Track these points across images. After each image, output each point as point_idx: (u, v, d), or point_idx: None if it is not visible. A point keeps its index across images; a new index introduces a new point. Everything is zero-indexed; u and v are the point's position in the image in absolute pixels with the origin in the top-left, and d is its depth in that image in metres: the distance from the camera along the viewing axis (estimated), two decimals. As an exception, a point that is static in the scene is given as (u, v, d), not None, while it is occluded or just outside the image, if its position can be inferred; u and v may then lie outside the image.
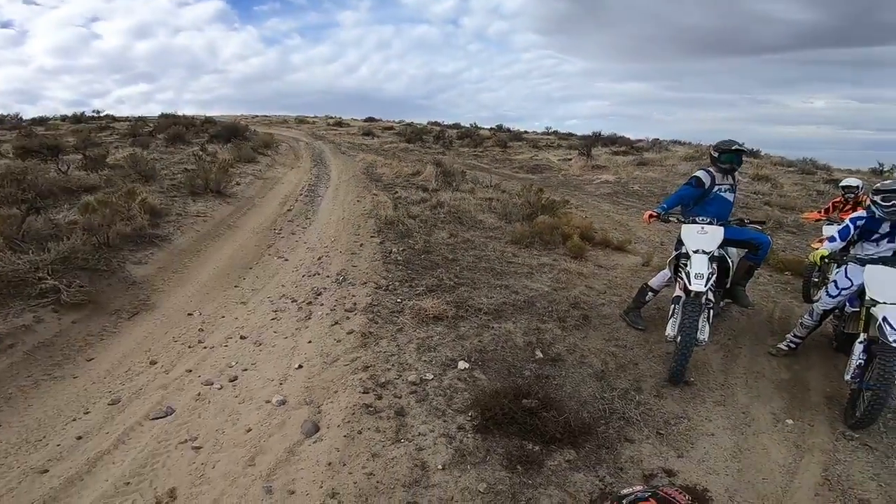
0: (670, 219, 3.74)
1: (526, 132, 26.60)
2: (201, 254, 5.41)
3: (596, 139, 20.13)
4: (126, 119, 24.23)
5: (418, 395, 2.93)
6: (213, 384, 3.09)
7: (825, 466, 2.71)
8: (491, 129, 27.45)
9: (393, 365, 3.23)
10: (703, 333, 3.26)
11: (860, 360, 3.00)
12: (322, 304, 4.20)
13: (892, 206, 3.16)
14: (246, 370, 3.25)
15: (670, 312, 3.42)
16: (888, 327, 2.83)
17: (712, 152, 3.84)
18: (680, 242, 3.59)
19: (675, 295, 3.44)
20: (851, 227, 3.37)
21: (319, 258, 5.32)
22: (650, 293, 4.00)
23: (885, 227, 3.27)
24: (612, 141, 19.96)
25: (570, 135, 25.73)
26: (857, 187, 5.13)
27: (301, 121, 28.90)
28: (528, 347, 3.55)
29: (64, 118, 23.57)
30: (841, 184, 5.42)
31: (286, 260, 5.37)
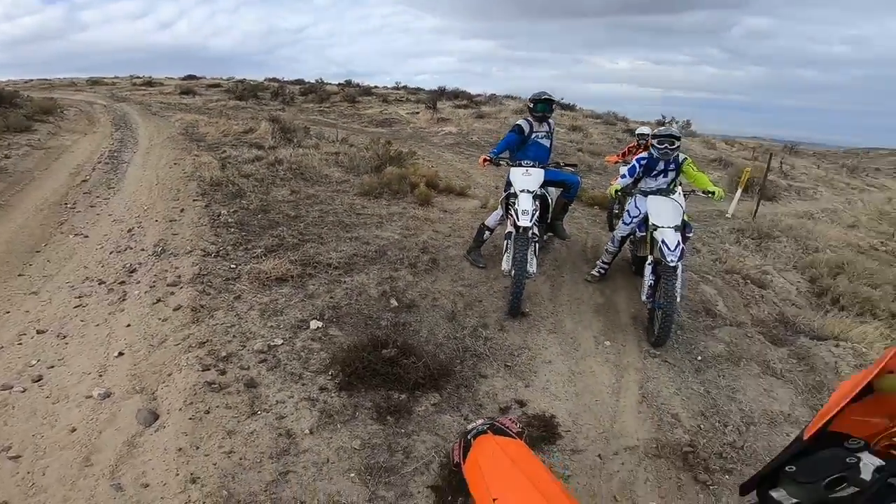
0: (500, 162, 4.04)
1: (376, 87, 25.91)
2: (-42, 242, 4.17)
3: (441, 94, 20.76)
4: None
5: (269, 362, 2.76)
6: (12, 388, 2.55)
7: (640, 384, 3.06)
8: (339, 84, 26.04)
9: (234, 336, 2.98)
10: (533, 266, 3.62)
11: (651, 281, 3.52)
12: (138, 282, 3.62)
13: (665, 148, 3.81)
14: (52, 367, 2.72)
15: (504, 248, 3.73)
16: (666, 248, 3.38)
17: (528, 103, 4.23)
18: (509, 184, 3.89)
19: (507, 231, 3.74)
20: (637, 165, 3.99)
21: (130, 230, 4.54)
22: (487, 232, 4.32)
23: (661, 165, 3.94)
24: (456, 95, 20.82)
25: (419, 89, 25.86)
26: (647, 134, 6.16)
27: (96, 82, 23.56)
28: (382, 297, 3.58)
29: None
30: (636, 132, 6.48)
31: (86, 237, 4.45)
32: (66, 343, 2.95)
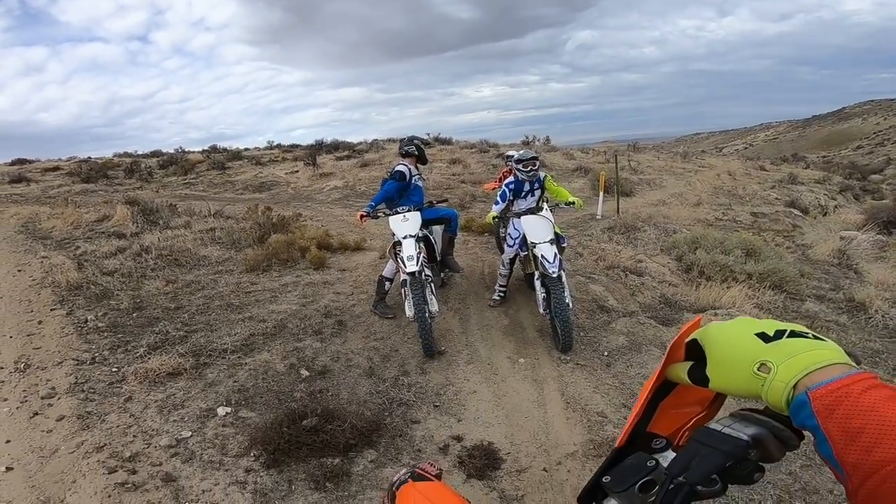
0: (378, 214, 4.13)
1: (247, 149, 24.69)
2: None
3: (319, 147, 20.50)
4: None
5: (182, 455, 2.57)
6: None
7: (561, 392, 3.20)
8: (203, 151, 24.45)
9: (134, 436, 2.72)
10: (433, 305, 3.72)
11: (542, 293, 3.75)
12: (6, 400, 3.10)
13: (529, 170, 4.20)
14: None
15: (403, 295, 3.79)
16: (546, 262, 3.66)
17: (405, 148, 4.41)
18: (393, 232, 3.98)
19: (402, 279, 3.80)
20: (507, 190, 4.33)
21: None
22: (387, 283, 4.34)
23: (527, 186, 4.33)
24: (336, 147, 20.66)
25: (296, 146, 25.12)
26: (513, 156, 6.69)
27: None
28: (290, 370, 3.41)
29: None
30: (505, 155, 6.95)
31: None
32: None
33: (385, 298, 4.38)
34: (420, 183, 4.44)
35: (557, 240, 3.92)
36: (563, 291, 3.65)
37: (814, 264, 6.80)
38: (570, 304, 3.75)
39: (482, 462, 2.58)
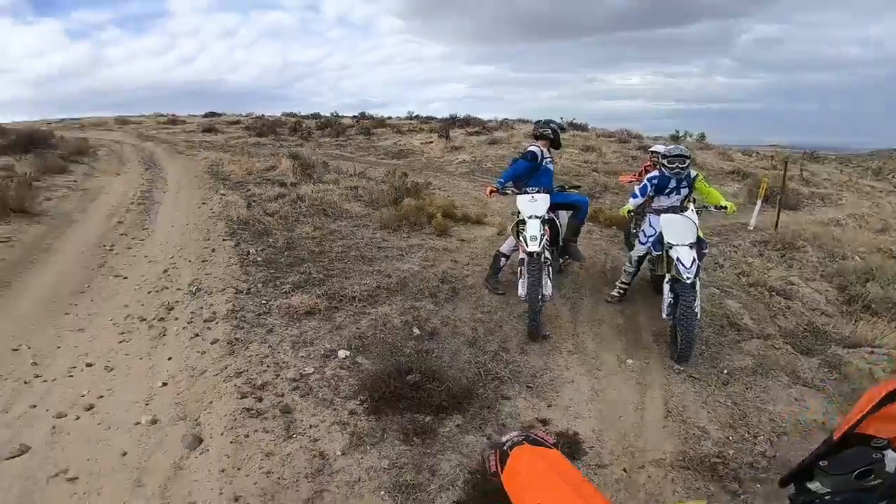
0: (507, 191, 4.19)
1: (390, 118, 26.58)
2: (13, 285, 4.46)
3: (453, 122, 21.16)
4: None
5: (301, 390, 2.92)
6: (66, 416, 2.76)
7: (665, 400, 3.11)
8: (354, 117, 26.88)
9: (268, 366, 3.14)
10: (547, 289, 3.73)
11: (670, 299, 3.56)
12: (177, 319, 3.83)
13: (676, 167, 3.91)
14: (102, 397, 2.93)
15: (518, 274, 3.85)
16: (681, 265, 3.45)
17: (540, 130, 4.38)
18: (518, 210, 4.02)
19: (520, 258, 3.85)
20: (648, 184, 4.09)
21: (165, 270, 4.79)
22: (503, 259, 4.43)
23: (673, 183, 4.04)
24: (468, 122, 21.18)
25: (431, 118, 26.43)
26: (660, 152, 6.22)
27: (123, 121, 24.64)
28: (405, 326, 3.69)
29: None
30: (650, 150, 6.52)
31: (125, 278, 4.71)
32: (114, 375, 3.16)
33: (498, 274, 4.48)
34: (550, 166, 4.39)
35: (698, 244, 3.66)
36: (694, 300, 3.44)
37: None
38: (699, 315, 3.52)
39: (562, 449, 2.58)
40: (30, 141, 11.94)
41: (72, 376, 3.15)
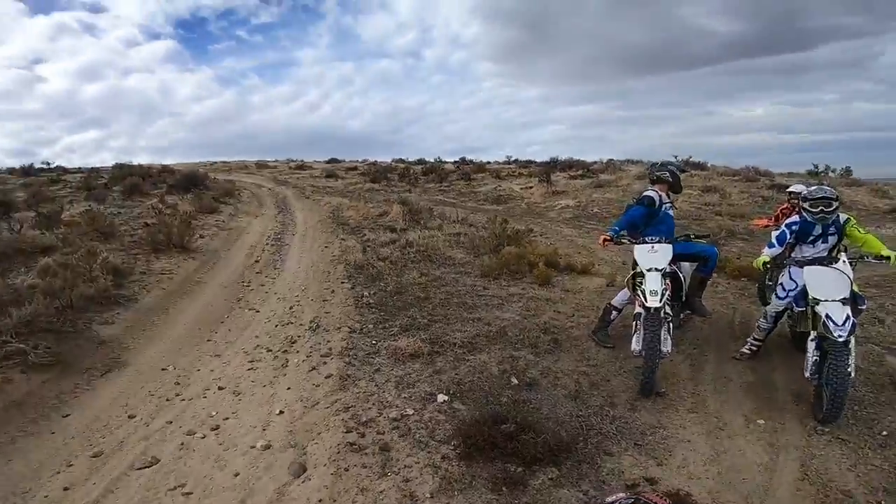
0: (622, 241, 3.94)
1: (488, 162, 27.24)
2: (169, 311, 5.33)
3: (554, 165, 20.88)
4: (78, 170, 23.31)
5: (401, 430, 2.99)
6: (195, 433, 3.12)
7: (802, 462, 2.82)
8: (454, 162, 28.08)
9: (373, 404, 3.28)
10: (666, 345, 3.45)
11: (815, 357, 3.17)
12: (297, 352, 4.21)
13: (820, 211, 3.40)
14: (227, 419, 3.28)
15: (633, 328, 3.60)
16: (832, 323, 3.03)
17: (657, 173, 4.16)
18: (635, 262, 3.79)
19: (635, 311, 3.61)
20: (787, 232, 3.62)
21: (291, 307, 5.33)
22: (614, 312, 4.19)
23: (818, 230, 3.53)
24: (570, 165, 20.62)
25: (531, 162, 26.40)
26: (800, 193, 5.44)
27: (262, 165, 28.68)
28: (503, 375, 3.65)
29: (11, 171, 22.16)
30: (787, 190, 5.59)
31: (258, 311, 5.35)
32: (240, 399, 3.53)
33: (608, 327, 4.24)
34: (670, 212, 4.13)
35: (853, 300, 3.18)
36: (847, 359, 3.02)
37: None
38: (852, 374, 3.08)
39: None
40: (191, 182, 14.40)
41: (205, 397, 3.60)
